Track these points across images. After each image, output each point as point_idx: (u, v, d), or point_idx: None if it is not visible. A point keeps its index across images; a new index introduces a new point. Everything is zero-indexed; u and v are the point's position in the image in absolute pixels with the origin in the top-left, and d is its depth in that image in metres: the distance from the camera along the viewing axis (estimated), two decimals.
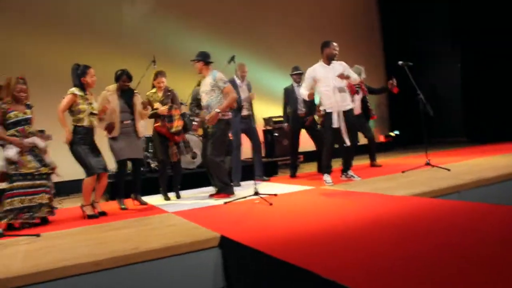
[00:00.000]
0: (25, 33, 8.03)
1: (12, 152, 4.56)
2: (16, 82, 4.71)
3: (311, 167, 8.17)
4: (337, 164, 6.24)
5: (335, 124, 5.54)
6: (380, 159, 7.85)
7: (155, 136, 5.77)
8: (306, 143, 7.47)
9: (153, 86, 5.85)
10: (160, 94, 5.75)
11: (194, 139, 7.22)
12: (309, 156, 8.83)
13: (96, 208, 5.02)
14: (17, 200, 4.50)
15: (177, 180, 5.96)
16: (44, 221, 4.83)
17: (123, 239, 3.52)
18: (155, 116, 5.67)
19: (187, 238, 3.32)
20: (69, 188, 7.31)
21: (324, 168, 5.82)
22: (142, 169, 6.17)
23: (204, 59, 5.46)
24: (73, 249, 3.37)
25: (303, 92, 5.81)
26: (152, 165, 7.15)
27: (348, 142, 5.59)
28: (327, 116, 5.61)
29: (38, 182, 4.68)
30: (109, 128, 5.20)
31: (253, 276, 3.05)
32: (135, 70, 5.63)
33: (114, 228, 4.18)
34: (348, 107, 5.66)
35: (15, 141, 4.59)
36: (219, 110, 5.24)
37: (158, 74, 5.75)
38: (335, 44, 5.69)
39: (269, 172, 7.58)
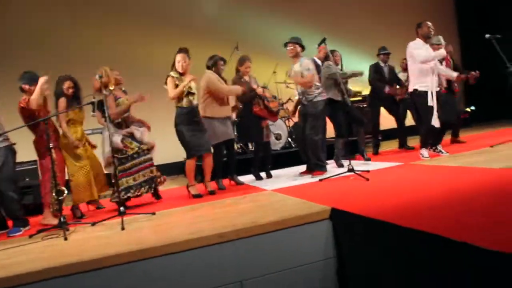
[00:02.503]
0: (115, 28, 8.57)
1: (118, 139, 4.98)
2: (109, 69, 5.11)
3: (389, 145, 8.15)
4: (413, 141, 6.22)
5: (430, 103, 5.54)
6: (462, 134, 7.72)
7: (249, 119, 5.93)
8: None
9: (237, 71, 5.97)
10: (246, 78, 5.94)
11: (278, 121, 7.44)
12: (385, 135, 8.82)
13: (207, 187, 5.36)
14: (131, 178, 4.96)
15: (268, 160, 6.20)
16: (157, 196, 5.33)
17: (239, 214, 3.79)
18: (253, 97, 5.82)
19: (300, 211, 3.53)
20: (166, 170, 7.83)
21: (423, 143, 5.82)
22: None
23: (300, 43, 5.62)
24: (193, 224, 3.69)
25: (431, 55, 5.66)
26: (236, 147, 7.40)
27: (437, 123, 5.58)
28: (423, 95, 5.60)
29: (142, 158, 5.11)
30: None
31: (364, 244, 3.21)
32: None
33: (224, 205, 4.48)
34: (438, 88, 5.73)
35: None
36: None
37: (246, 59, 5.90)
38: (429, 23, 5.68)
39: (351, 150, 7.65)
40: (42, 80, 4.61)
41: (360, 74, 6.34)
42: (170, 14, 9.15)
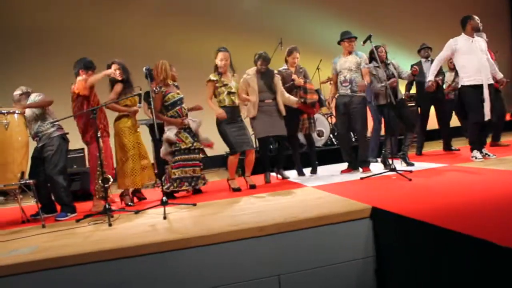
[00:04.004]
0: (164, 26, 8.79)
1: (172, 134, 5.12)
2: (168, 64, 5.23)
3: (431, 146, 7.96)
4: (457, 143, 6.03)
5: (486, 96, 5.38)
6: (506, 138, 7.47)
7: (287, 112, 5.82)
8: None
9: (286, 62, 6.05)
10: (292, 69, 5.97)
11: (320, 118, 7.41)
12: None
13: (248, 182, 5.43)
14: (181, 171, 5.08)
15: (313, 156, 6.19)
16: (197, 191, 5.40)
17: (279, 208, 3.82)
18: (292, 88, 5.85)
19: (340, 209, 3.51)
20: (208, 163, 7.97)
21: (474, 144, 5.64)
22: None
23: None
24: (233, 217, 3.73)
25: (435, 63, 5.75)
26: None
27: (489, 116, 5.40)
28: (472, 89, 5.46)
29: (193, 155, 5.22)
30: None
31: (405, 245, 3.17)
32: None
33: (265, 199, 4.51)
34: (491, 81, 5.50)
35: (177, 122, 5.13)
36: (366, 83, 5.56)
37: (294, 50, 5.94)
38: (476, 17, 5.53)
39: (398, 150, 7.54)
40: (109, 71, 4.88)
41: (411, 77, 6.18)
42: (215, 11, 9.31)
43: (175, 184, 5.13)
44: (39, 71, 8.31)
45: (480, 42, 5.56)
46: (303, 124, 5.98)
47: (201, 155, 5.37)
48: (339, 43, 5.84)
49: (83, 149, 7.83)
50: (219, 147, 7.02)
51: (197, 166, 5.27)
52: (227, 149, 5.43)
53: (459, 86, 5.68)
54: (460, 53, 5.55)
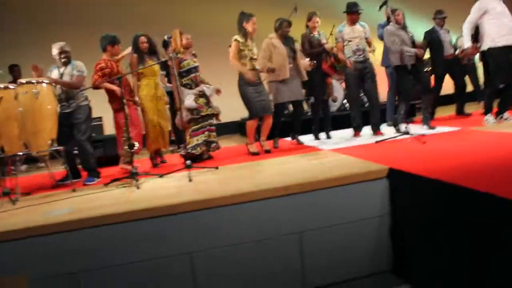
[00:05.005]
0: None
1: (190, 100, 5.27)
2: (182, 33, 5.35)
3: (444, 111, 8.04)
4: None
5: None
6: None
7: (315, 75, 6.07)
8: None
9: (307, 27, 6.21)
10: (315, 33, 6.11)
11: (335, 84, 7.51)
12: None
13: (263, 146, 5.60)
14: (199, 137, 5.25)
15: (328, 121, 6.38)
16: (208, 157, 5.61)
17: (300, 171, 4.01)
18: (322, 52, 6.04)
19: (359, 169, 3.69)
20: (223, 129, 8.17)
21: (487, 108, 5.70)
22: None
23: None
24: (255, 178, 3.93)
25: (467, 27, 5.64)
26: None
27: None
28: (504, 50, 5.38)
29: (208, 121, 5.38)
30: (271, 71, 5.60)
31: (419, 203, 3.35)
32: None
33: (283, 162, 4.70)
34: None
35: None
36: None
37: (313, 14, 6.10)
38: None
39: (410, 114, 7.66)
40: (117, 89, 5.01)
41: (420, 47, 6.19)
42: None
43: (197, 148, 5.31)
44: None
45: (503, 5, 5.51)
46: (329, 89, 6.17)
47: (215, 121, 5.53)
48: (345, 12, 5.98)
49: (101, 117, 8.06)
50: (234, 114, 7.24)
51: (212, 132, 5.45)
52: (242, 116, 5.58)
53: (486, 48, 5.56)
54: (493, 13, 5.44)
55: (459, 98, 7.40)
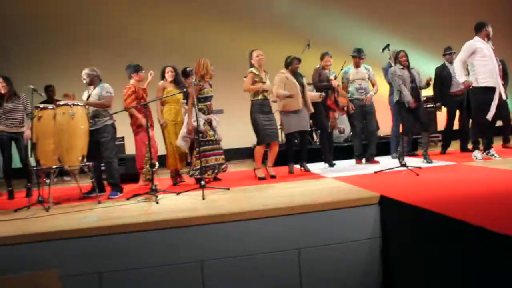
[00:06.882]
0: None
1: (201, 123, 5.76)
2: (210, 63, 5.88)
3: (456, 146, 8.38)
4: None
5: (496, 101, 5.85)
6: None
7: (320, 108, 6.64)
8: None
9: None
10: (326, 71, 6.74)
11: (342, 117, 7.99)
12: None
13: (269, 172, 6.07)
14: (204, 160, 5.69)
15: (331, 150, 6.88)
16: (216, 179, 6.08)
17: (301, 195, 4.48)
18: (327, 87, 6.63)
19: (353, 195, 4.16)
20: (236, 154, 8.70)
21: (475, 144, 6.16)
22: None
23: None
24: (264, 199, 4.40)
25: (459, 68, 6.03)
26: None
27: (490, 118, 5.90)
28: (484, 91, 5.87)
29: (215, 146, 5.85)
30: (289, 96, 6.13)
31: (407, 228, 3.76)
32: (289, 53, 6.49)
33: (287, 187, 5.17)
34: (501, 86, 5.99)
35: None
36: (373, 94, 6.63)
37: (326, 54, 6.75)
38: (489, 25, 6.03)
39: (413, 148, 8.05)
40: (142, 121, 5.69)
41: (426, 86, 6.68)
42: (247, 12, 10.07)
43: (197, 173, 5.68)
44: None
45: (491, 49, 6.01)
46: (331, 121, 6.71)
47: (221, 145, 5.97)
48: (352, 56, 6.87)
49: (123, 137, 8.62)
50: (247, 140, 7.77)
51: (220, 155, 5.89)
52: (254, 142, 6.09)
53: (470, 87, 6.04)
54: (479, 55, 5.91)
55: (463, 135, 7.65)
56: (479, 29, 6.06)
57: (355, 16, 10.26)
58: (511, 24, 11.36)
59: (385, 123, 7.79)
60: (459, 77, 6.08)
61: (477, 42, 5.98)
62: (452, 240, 3.09)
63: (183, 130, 5.84)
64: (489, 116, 5.86)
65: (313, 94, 6.48)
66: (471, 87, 5.99)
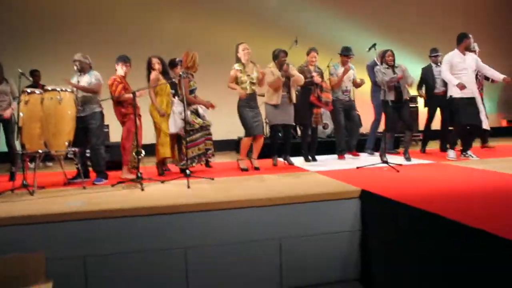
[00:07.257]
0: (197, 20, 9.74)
1: (188, 114, 5.82)
2: (197, 56, 5.93)
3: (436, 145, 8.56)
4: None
5: (479, 105, 6.28)
6: (498, 143, 8.26)
7: (303, 103, 6.68)
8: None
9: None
10: (311, 68, 6.73)
11: (326, 112, 8.11)
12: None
13: (253, 163, 6.17)
14: (196, 148, 5.80)
15: (314, 145, 6.97)
16: (207, 164, 6.23)
17: (283, 187, 4.59)
18: (310, 84, 6.62)
19: (334, 189, 4.28)
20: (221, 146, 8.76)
21: (451, 144, 6.53)
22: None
23: None
24: (247, 189, 4.51)
25: (449, 77, 6.34)
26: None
27: (486, 126, 6.28)
28: (460, 101, 6.24)
29: (205, 132, 5.99)
30: (275, 85, 6.24)
31: (386, 221, 3.90)
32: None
33: (271, 179, 5.27)
34: (477, 94, 6.34)
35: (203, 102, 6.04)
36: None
37: (312, 50, 6.77)
38: (471, 37, 6.35)
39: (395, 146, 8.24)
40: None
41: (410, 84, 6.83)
42: (236, 4, 10.11)
43: (190, 162, 5.75)
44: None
45: (470, 60, 6.32)
46: (315, 117, 6.75)
47: (210, 130, 6.11)
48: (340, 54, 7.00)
49: (108, 125, 8.60)
50: (232, 132, 7.85)
51: (209, 140, 6.04)
52: (239, 134, 6.18)
53: (449, 96, 6.45)
54: (454, 69, 6.31)
55: (443, 135, 7.82)
56: (459, 40, 6.41)
57: (343, 14, 10.42)
58: (503, 27, 11.65)
59: (367, 121, 7.89)
60: (453, 80, 6.28)
61: (454, 57, 6.34)
62: (429, 233, 3.23)
63: (178, 121, 5.93)
64: (485, 126, 6.30)
65: (297, 75, 6.43)
66: (449, 96, 6.44)
